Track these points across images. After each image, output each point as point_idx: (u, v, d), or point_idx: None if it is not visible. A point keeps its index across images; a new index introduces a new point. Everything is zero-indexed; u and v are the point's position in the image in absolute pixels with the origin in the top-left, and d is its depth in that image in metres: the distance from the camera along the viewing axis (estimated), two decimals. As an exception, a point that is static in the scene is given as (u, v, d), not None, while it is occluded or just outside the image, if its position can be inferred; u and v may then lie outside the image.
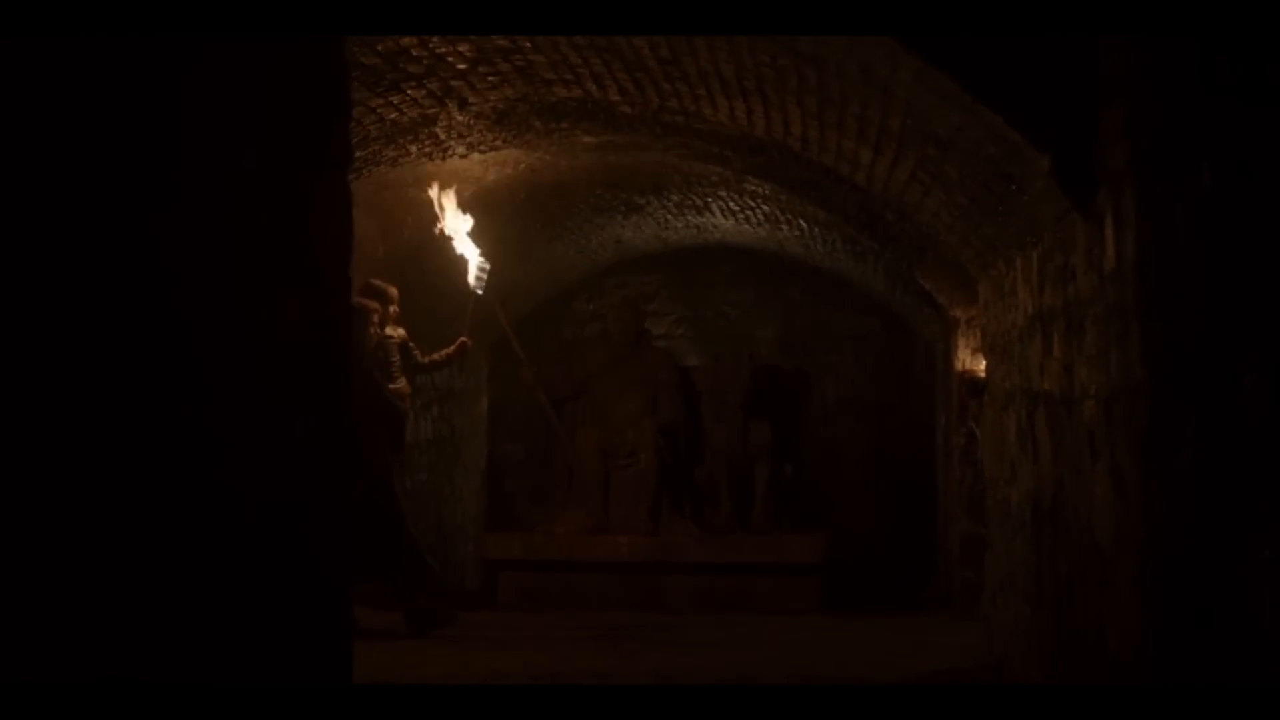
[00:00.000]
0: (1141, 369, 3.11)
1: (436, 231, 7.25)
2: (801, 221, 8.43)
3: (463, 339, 7.54)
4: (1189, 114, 2.78)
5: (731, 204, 8.51)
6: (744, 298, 10.72)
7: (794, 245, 9.48)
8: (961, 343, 7.86)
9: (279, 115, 2.92)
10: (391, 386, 7.08)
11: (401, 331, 7.29)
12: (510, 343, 8.55)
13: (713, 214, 8.94)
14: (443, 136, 6.28)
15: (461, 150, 6.65)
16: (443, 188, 7.16)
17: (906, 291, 8.79)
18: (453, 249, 7.35)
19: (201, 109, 2.55)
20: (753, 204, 8.34)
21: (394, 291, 7.28)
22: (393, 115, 5.81)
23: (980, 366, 7.30)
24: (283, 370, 2.91)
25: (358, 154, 6.12)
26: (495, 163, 7.12)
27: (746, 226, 9.17)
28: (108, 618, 2.12)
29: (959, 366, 7.90)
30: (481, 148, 6.64)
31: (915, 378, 10.20)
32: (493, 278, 7.72)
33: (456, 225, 7.26)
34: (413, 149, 6.38)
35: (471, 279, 7.39)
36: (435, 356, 7.53)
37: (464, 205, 7.49)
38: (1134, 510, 3.23)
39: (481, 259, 7.40)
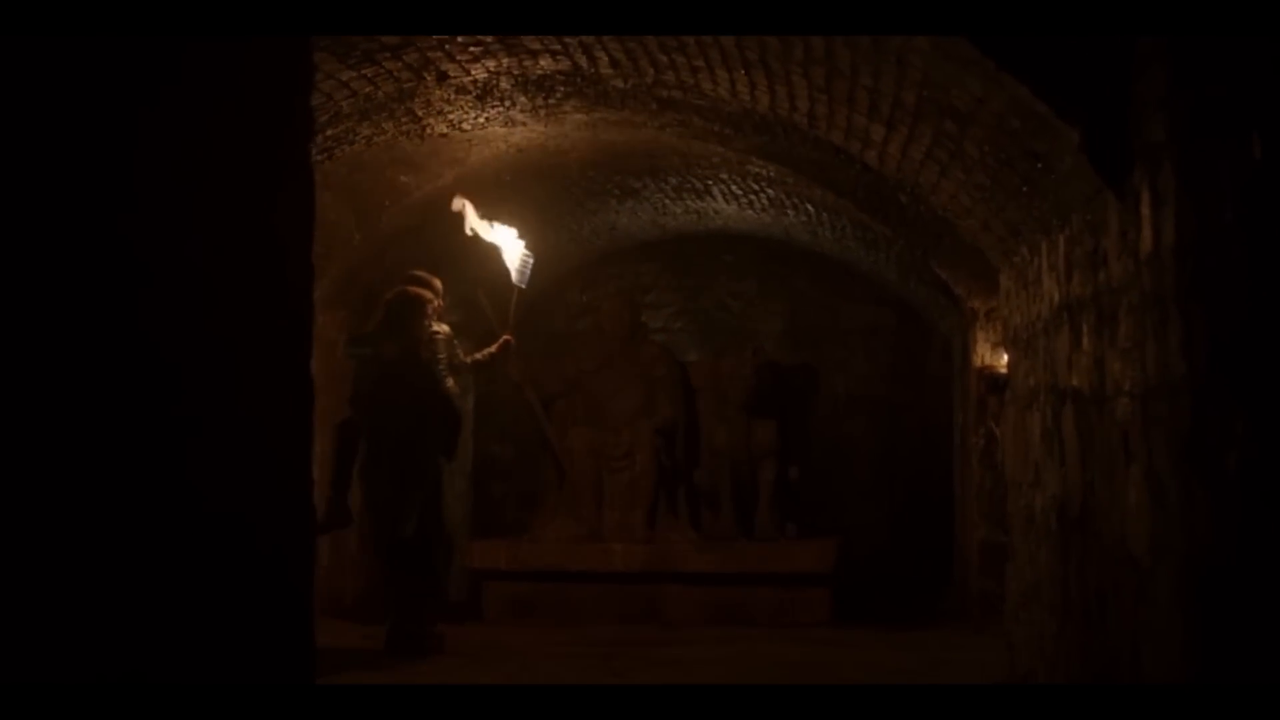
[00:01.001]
0: (1183, 362, 3.01)
1: (469, 233, 7.15)
2: (809, 206, 8.37)
3: (506, 337, 7.41)
4: (1237, 78, 2.67)
5: (734, 187, 8.45)
6: (747, 288, 10.65)
7: (801, 232, 9.42)
8: (981, 336, 7.83)
9: (228, 81, 2.81)
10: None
11: (446, 328, 7.18)
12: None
13: (714, 198, 8.89)
14: (420, 113, 6.20)
15: (442, 129, 6.58)
16: (459, 189, 7.09)
17: (921, 281, 8.75)
18: (486, 242, 7.27)
19: (142, 75, 2.46)
20: (756, 187, 8.28)
21: (438, 284, 7.18)
22: (366, 89, 5.71)
23: (1001, 362, 7.28)
24: (237, 364, 2.83)
25: (328, 132, 6.05)
26: (478, 143, 7.03)
27: (750, 211, 9.12)
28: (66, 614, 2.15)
29: (978, 362, 7.87)
30: (463, 126, 6.57)
31: (931, 374, 10.15)
32: (475, 267, 7.60)
33: (486, 222, 7.17)
34: (389, 127, 6.29)
35: (514, 272, 7.25)
36: (479, 356, 7.40)
37: (449, 188, 7.37)
38: (1173, 519, 3.14)
39: (526, 251, 7.26)
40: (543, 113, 6.49)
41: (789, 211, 8.78)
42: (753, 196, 8.62)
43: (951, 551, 9.34)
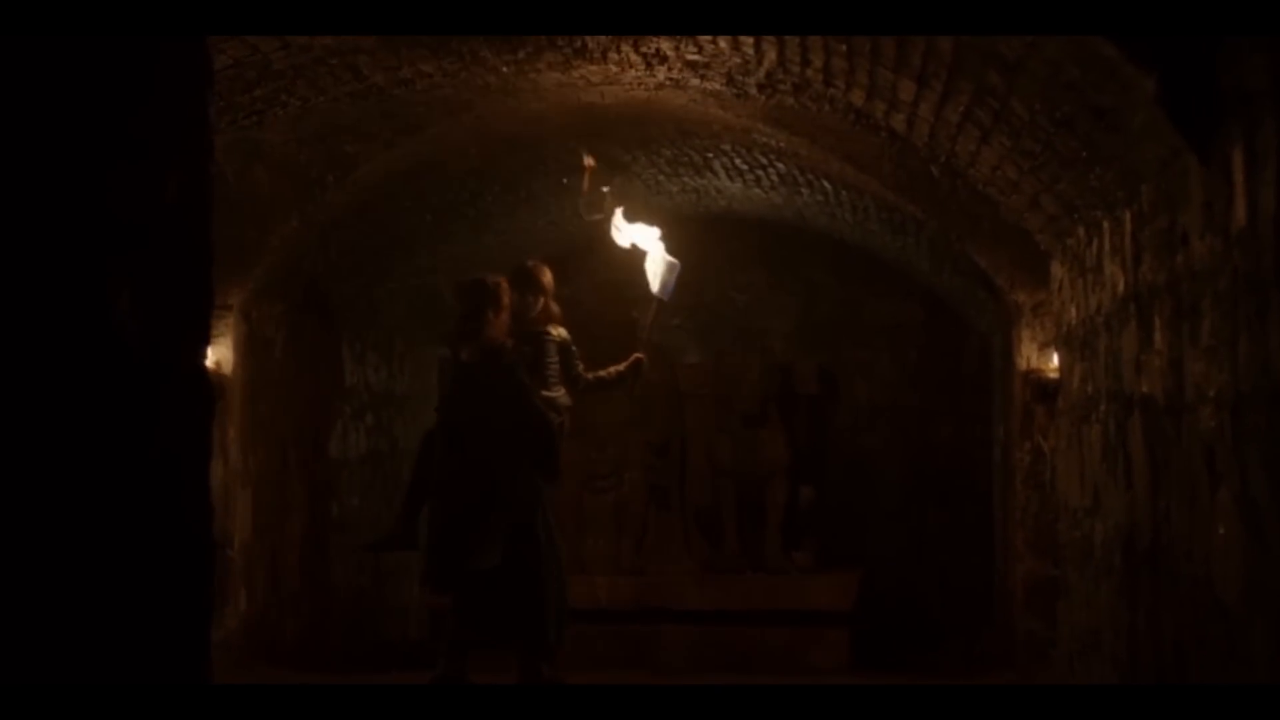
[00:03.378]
0: (1288, 362, 2.95)
1: (614, 237, 7.15)
2: (825, 183, 8.35)
3: (638, 355, 7.27)
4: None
5: (738, 161, 8.46)
6: (755, 280, 10.69)
7: (816, 214, 9.42)
8: (1026, 335, 7.83)
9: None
10: (544, 393, 6.76)
11: (563, 330, 7.03)
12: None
13: (715, 174, 8.90)
14: (366, 70, 6.11)
15: (395, 90, 6.43)
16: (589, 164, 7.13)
17: (956, 271, 8.75)
18: (625, 247, 7.20)
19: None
20: (764, 161, 8.27)
21: (548, 278, 7.05)
22: (301, 39, 5.56)
23: (1051, 364, 7.27)
24: (109, 364, 2.65)
25: (256, 92, 5.98)
26: (436, 107, 6.88)
27: (757, 190, 9.11)
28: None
29: (1023, 364, 7.85)
30: (417, 86, 6.43)
31: (967, 379, 10.18)
32: (445, 259, 7.41)
33: (629, 225, 7.13)
34: (329, 85, 6.18)
35: (654, 280, 7.12)
36: (603, 373, 7.31)
37: (402, 160, 7.19)
38: (1274, 556, 3.06)
39: (670, 257, 7.16)
40: (511, 70, 6.34)
41: (802, 190, 8.73)
42: (760, 172, 8.57)
43: (991, 587, 9.33)
